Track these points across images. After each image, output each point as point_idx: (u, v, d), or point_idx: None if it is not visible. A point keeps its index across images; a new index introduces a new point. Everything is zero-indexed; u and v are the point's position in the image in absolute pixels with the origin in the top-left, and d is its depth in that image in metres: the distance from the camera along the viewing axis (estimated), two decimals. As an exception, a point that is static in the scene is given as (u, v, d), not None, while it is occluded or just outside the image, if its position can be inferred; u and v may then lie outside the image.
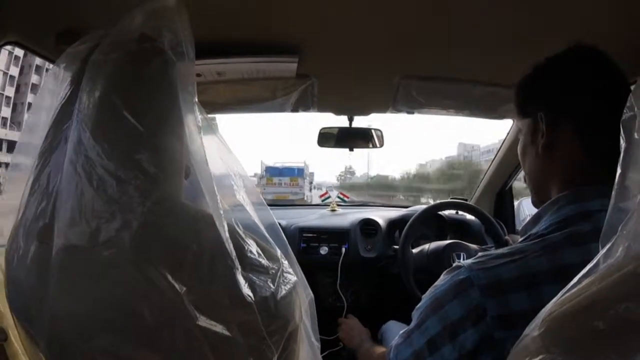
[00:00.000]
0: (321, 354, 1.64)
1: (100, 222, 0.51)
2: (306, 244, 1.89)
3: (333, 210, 2.25)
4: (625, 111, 0.39)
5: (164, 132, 0.57)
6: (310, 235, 1.92)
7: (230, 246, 0.53)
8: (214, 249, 0.53)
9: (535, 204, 0.78)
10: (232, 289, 0.52)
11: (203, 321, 0.50)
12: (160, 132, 0.56)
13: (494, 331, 0.59)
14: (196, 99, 0.57)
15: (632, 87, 0.43)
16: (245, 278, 0.53)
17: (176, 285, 0.49)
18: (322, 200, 2.47)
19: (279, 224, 1.97)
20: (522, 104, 0.75)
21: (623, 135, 0.38)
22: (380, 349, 1.10)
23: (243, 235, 0.57)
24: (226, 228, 0.54)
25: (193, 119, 0.56)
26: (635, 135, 0.37)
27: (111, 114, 0.53)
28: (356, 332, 1.39)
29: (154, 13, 0.57)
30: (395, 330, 1.45)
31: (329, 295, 1.88)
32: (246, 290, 0.52)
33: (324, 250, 1.87)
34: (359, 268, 1.87)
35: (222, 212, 0.54)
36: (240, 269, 0.53)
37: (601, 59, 0.67)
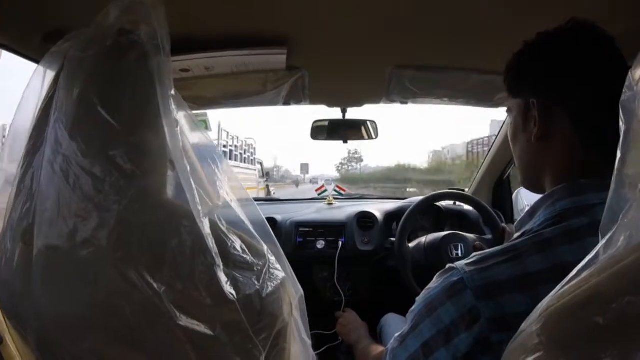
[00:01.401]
0: (320, 349, 1.65)
1: (78, 221, 0.51)
2: (303, 238, 1.88)
3: (330, 204, 2.24)
4: (624, 91, 0.36)
5: (140, 127, 0.56)
6: (307, 229, 1.90)
7: (211, 242, 0.52)
8: (194, 245, 0.52)
9: (524, 186, 0.76)
10: (213, 286, 0.51)
11: (184, 320, 0.49)
12: (136, 127, 0.55)
13: (490, 334, 0.57)
14: (173, 92, 0.56)
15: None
16: (227, 275, 0.53)
17: (155, 285, 0.49)
18: (319, 194, 2.46)
19: (274, 218, 1.97)
20: (513, 83, 0.71)
21: (622, 116, 0.36)
22: (377, 349, 1.08)
23: (226, 231, 0.56)
24: (207, 224, 0.53)
25: (170, 112, 0.55)
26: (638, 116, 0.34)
27: (87, 110, 0.53)
28: (353, 327, 1.37)
29: (130, 7, 0.57)
30: (394, 324, 1.44)
31: (326, 290, 1.88)
32: (228, 288, 0.52)
33: (320, 244, 1.86)
34: (357, 261, 1.86)
35: (200, 207, 0.53)
36: (222, 266, 0.52)
37: (599, 37, 0.63)
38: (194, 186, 0.53)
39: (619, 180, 0.36)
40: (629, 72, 0.36)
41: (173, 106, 0.55)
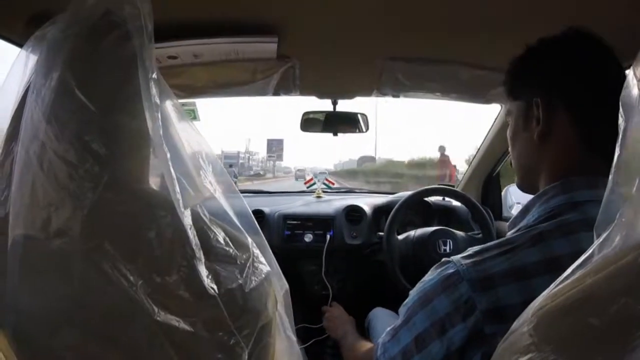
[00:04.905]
0: (306, 342, 1.64)
1: (51, 210, 0.48)
2: (290, 231, 1.86)
3: (318, 197, 2.23)
4: (625, 87, 0.35)
5: (117, 109, 0.53)
6: (295, 222, 1.89)
7: (191, 234, 0.50)
8: (173, 237, 0.50)
9: (520, 187, 0.77)
10: (193, 280, 0.49)
11: (162, 316, 0.47)
12: (113, 109, 0.53)
13: (484, 326, 0.58)
14: (155, 76, 0.53)
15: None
16: (209, 269, 0.51)
17: (131, 278, 0.47)
18: (307, 187, 2.44)
19: (262, 211, 1.95)
20: (515, 85, 0.73)
21: (622, 113, 0.35)
22: (365, 345, 1.07)
23: (209, 223, 0.54)
24: (189, 215, 0.51)
25: (150, 96, 0.52)
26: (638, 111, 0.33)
27: (64, 93, 0.50)
28: (340, 322, 1.37)
29: None
30: (382, 318, 1.44)
31: (314, 284, 1.87)
32: (209, 282, 0.50)
33: (308, 237, 1.85)
34: (344, 255, 1.86)
35: (179, 197, 0.50)
36: (203, 259, 0.50)
37: (600, 45, 0.65)
38: (173, 175, 0.51)
39: (616, 178, 0.35)
40: (631, 69, 0.36)
41: (154, 90, 0.53)
